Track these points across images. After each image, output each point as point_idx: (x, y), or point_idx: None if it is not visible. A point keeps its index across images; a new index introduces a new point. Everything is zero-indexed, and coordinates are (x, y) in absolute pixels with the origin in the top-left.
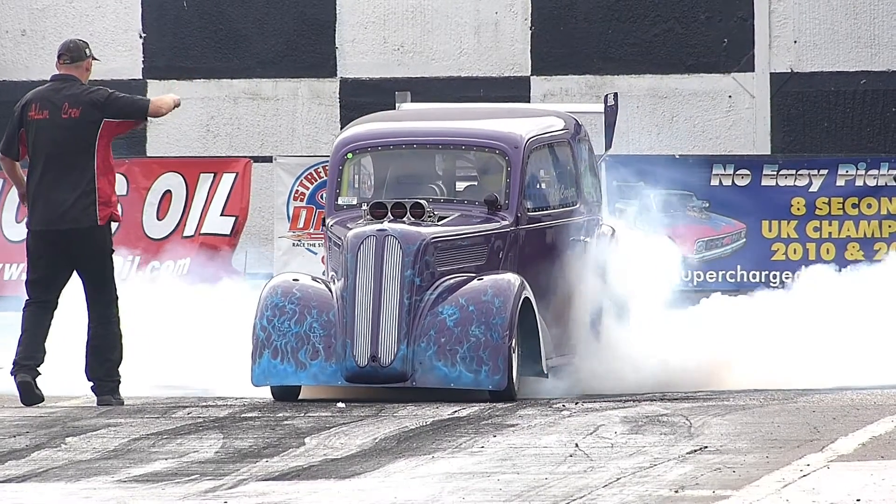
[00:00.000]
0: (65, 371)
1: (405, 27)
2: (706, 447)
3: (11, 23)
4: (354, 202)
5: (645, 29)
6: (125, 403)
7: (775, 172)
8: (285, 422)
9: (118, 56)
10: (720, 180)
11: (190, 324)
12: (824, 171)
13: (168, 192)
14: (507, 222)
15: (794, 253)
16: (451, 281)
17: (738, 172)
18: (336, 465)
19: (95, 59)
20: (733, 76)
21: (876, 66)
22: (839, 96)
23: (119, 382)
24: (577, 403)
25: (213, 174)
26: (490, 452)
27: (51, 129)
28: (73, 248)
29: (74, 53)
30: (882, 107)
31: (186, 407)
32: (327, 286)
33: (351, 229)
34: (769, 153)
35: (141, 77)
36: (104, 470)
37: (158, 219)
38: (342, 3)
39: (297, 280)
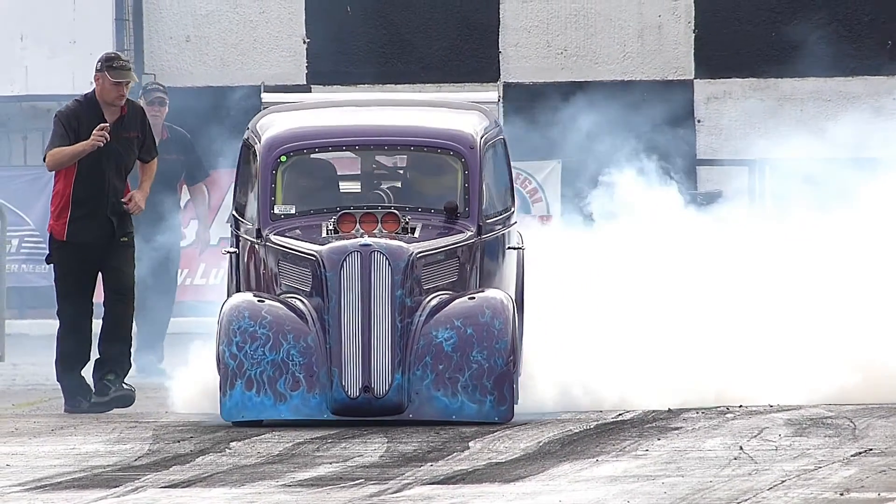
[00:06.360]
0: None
1: (568, 31)
2: (871, 449)
3: (175, 29)
4: (293, 211)
5: (808, 31)
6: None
7: None
8: (449, 426)
9: (282, 61)
10: None
11: None
12: None
13: None
14: (471, 232)
15: None
16: (435, 300)
17: None
18: (501, 468)
19: (130, 80)
20: None
21: None
22: None
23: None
24: (739, 406)
25: None
26: (654, 455)
27: None
28: None
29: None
30: None
31: None
32: (290, 306)
33: (323, 244)
34: None
35: (305, 83)
36: (269, 474)
37: None
38: (505, 8)
39: (262, 301)
